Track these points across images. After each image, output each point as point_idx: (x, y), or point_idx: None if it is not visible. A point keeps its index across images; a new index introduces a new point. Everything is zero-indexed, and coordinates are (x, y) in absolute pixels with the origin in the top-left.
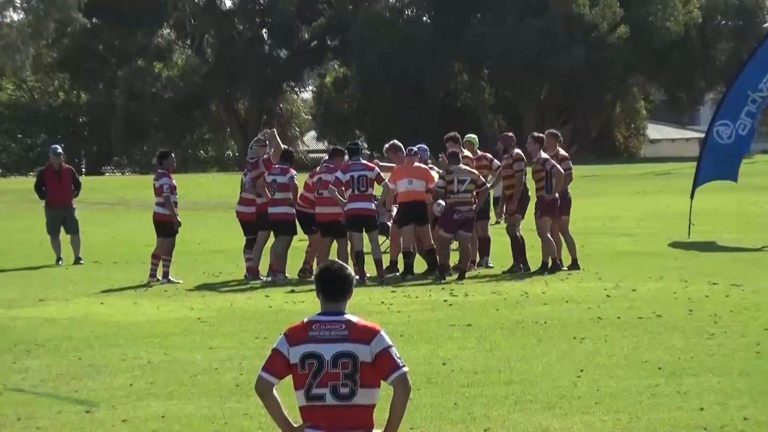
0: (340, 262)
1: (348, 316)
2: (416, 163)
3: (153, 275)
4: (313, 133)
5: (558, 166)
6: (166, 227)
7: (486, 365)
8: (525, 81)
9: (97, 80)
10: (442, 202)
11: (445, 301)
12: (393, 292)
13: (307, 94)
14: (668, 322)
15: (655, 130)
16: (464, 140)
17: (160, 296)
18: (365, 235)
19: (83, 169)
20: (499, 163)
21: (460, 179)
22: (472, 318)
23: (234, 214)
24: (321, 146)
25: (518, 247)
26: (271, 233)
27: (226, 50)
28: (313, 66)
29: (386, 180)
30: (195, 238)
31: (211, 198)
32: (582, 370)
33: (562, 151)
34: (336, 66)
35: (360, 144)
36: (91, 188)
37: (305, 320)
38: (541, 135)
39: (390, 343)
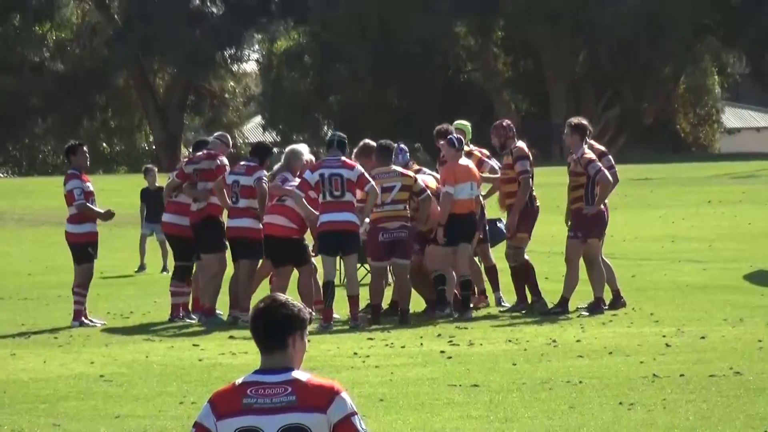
0: (282, 296)
1: (295, 374)
2: (465, 160)
3: (79, 316)
4: (258, 120)
5: (606, 171)
6: (80, 250)
7: None
8: (554, 46)
9: None
10: (365, 220)
11: (441, 352)
12: (370, 339)
13: (250, 66)
14: (751, 381)
15: (734, 116)
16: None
17: (48, 345)
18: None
19: None
20: (494, 164)
21: (386, 186)
22: (479, 376)
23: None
24: (269, 137)
25: (524, 276)
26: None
27: (138, 4)
28: (258, 28)
29: (372, 183)
30: (96, 266)
31: (116, 208)
32: None
33: (596, 144)
34: (290, 27)
35: (342, 136)
36: None
37: (237, 382)
38: (583, 123)
39: (353, 408)
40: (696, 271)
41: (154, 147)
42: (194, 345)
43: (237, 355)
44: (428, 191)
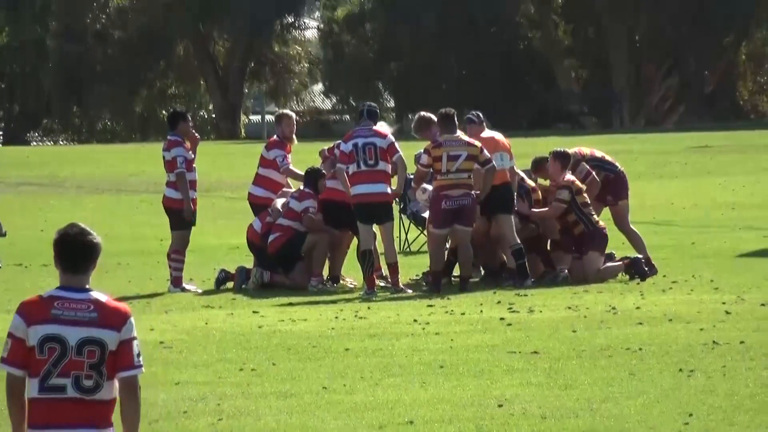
0: (82, 225)
1: (95, 294)
2: (489, 132)
3: (179, 282)
4: (319, 87)
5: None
6: (178, 215)
7: (558, 408)
8: (614, 13)
9: (18, 9)
10: (429, 187)
11: (501, 319)
12: (430, 306)
13: (311, 33)
14: None
15: None
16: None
17: None
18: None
19: None
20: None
21: (452, 155)
22: (539, 343)
23: (218, 199)
24: (329, 105)
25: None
26: None
27: None
28: None
29: (400, 153)
30: (155, 233)
31: None
32: (691, 415)
33: (600, 153)
34: None
35: (372, 106)
36: (12, 163)
37: (45, 295)
38: (565, 151)
39: (135, 334)
40: (756, 238)
41: (214, 115)
42: (254, 312)
43: (296, 322)
44: (493, 162)
